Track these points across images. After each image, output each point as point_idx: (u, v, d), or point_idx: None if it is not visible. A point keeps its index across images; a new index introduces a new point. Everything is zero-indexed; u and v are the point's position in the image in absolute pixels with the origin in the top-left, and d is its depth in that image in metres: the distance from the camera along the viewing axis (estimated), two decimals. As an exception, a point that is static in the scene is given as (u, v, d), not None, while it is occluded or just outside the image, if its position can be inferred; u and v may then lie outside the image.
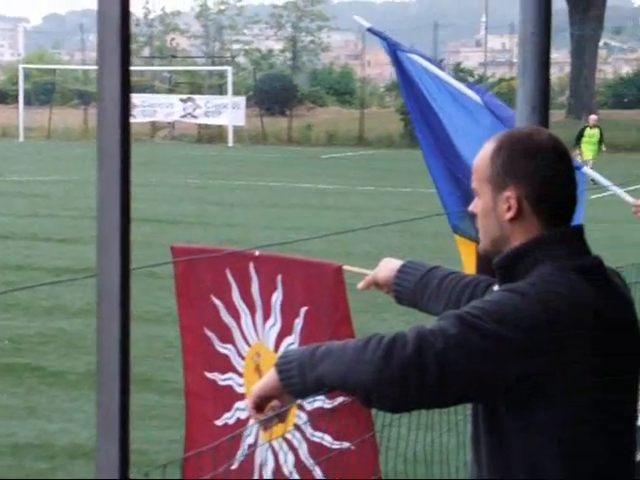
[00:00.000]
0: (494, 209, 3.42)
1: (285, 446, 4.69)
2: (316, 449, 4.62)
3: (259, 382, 3.54)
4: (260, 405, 3.43)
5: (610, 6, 48.52)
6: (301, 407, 4.48)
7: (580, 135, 35.13)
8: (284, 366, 3.35)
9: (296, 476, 4.65)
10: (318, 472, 4.62)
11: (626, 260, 6.76)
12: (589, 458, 3.44)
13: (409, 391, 3.22)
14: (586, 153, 33.76)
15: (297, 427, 4.68)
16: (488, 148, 3.52)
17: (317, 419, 4.58)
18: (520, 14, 3.60)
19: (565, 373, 3.33)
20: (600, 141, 35.42)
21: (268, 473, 4.72)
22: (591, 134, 35.11)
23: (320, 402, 4.30)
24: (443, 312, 3.54)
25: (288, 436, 4.66)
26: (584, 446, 3.42)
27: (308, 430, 4.65)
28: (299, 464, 4.66)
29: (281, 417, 3.52)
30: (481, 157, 3.53)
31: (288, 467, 4.69)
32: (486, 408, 3.44)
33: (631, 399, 3.63)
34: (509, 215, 3.40)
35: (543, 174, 3.40)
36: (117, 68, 1.87)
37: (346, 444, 4.53)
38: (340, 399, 4.35)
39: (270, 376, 3.41)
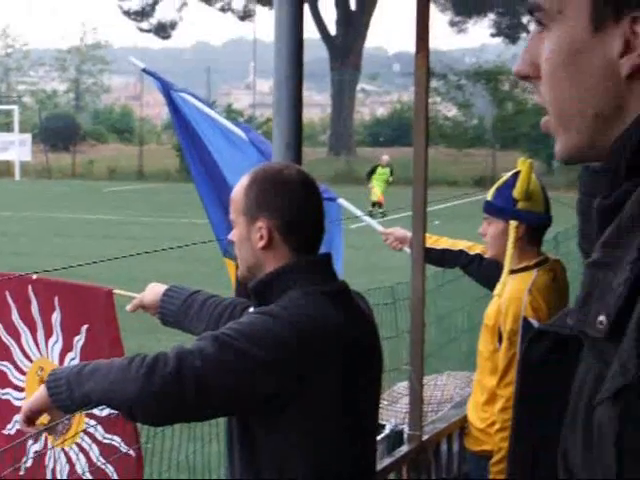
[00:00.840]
0: (248, 238, 3.47)
1: (76, 448, 4.79)
2: (108, 450, 4.71)
3: (31, 397, 3.56)
4: (31, 418, 3.46)
5: (367, 54, 50.20)
6: (91, 415, 4.59)
7: (372, 172, 36.17)
8: (53, 383, 3.38)
9: (89, 476, 4.76)
10: (110, 469, 4.72)
11: (379, 283, 7.00)
12: (334, 468, 3.50)
13: (169, 406, 3.28)
14: (376, 188, 34.68)
15: (86, 432, 4.78)
16: (244, 182, 3.58)
17: (107, 424, 4.66)
18: (275, 60, 3.66)
19: (313, 391, 3.36)
20: (388, 179, 36.35)
21: (63, 474, 4.85)
22: (382, 172, 36.33)
23: (108, 410, 4.39)
24: (204, 332, 3.59)
25: (78, 440, 4.76)
26: (329, 458, 3.46)
27: (99, 433, 4.75)
28: (92, 465, 4.75)
29: (50, 430, 3.67)
30: (237, 190, 3.60)
31: (81, 466, 4.79)
32: (239, 421, 3.48)
33: (373, 414, 3.74)
34: (261, 244, 3.45)
35: (291, 207, 3.45)
36: None
37: (125, 447, 4.67)
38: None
39: (40, 392, 3.43)
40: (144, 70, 6.74)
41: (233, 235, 3.58)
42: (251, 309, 3.57)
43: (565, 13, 1.52)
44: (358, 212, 7.19)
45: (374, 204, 32.86)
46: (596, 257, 1.49)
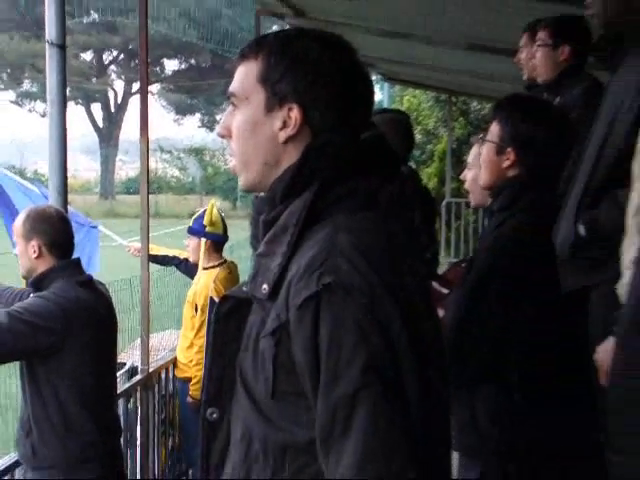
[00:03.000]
0: (26, 252, 3.50)
1: None
2: None
3: None
4: None
5: (122, 137, 48.66)
6: None
7: None
8: None
9: None
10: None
11: (126, 276, 7.50)
12: (92, 395, 3.50)
13: None
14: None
15: None
16: (22, 215, 3.60)
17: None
18: (49, 145, 3.84)
19: (74, 344, 3.41)
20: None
21: None
22: None
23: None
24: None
25: None
26: (88, 388, 3.49)
27: None
28: None
29: None
30: (17, 220, 3.60)
31: None
32: (27, 366, 3.47)
33: (114, 358, 3.81)
34: (34, 255, 3.49)
35: (52, 230, 3.50)
36: None
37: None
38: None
39: None
40: None
41: (17, 250, 3.59)
42: (31, 295, 3.57)
43: (249, 99, 1.65)
44: (114, 235, 7.32)
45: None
46: (261, 251, 1.62)
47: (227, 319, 1.69)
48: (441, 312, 2.62)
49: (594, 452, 2.30)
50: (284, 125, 1.61)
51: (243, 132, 1.65)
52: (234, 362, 1.64)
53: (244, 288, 1.66)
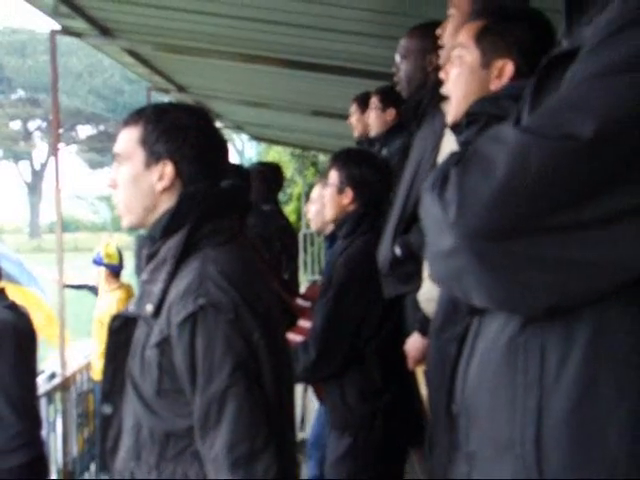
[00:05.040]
0: None
1: None
2: None
3: None
4: None
5: None
6: None
7: None
8: None
9: None
10: None
11: None
12: (15, 402, 3.32)
13: None
14: None
15: None
16: None
17: None
18: None
19: (0, 357, 3.26)
20: None
21: None
22: None
23: None
24: None
25: None
26: (10, 396, 3.30)
27: None
28: None
29: None
30: None
31: None
32: None
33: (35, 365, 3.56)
34: None
35: None
36: None
37: None
38: None
39: None
40: None
41: None
42: None
43: (132, 158, 1.63)
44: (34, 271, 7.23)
45: None
46: (145, 278, 1.61)
47: (118, 333, 1.68)
48: (305, 322, 2.72)
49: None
50: (160, 178, 1.62)
51: (127, 184, 1.64)
52: (124, 367, 1.64)
53: (131, 308, 1.66)
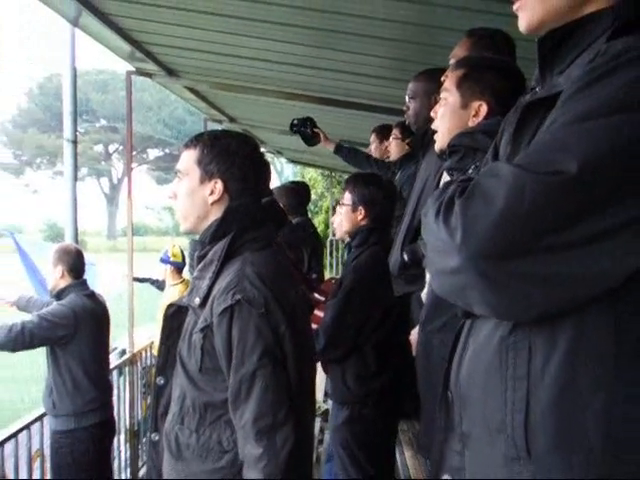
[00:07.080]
0: None
1: None
2: None
3: None
4: None
5: None
6: None
7: None
8: None
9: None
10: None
11: None
12: (91, 373, 3.35)
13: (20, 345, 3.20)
14: None
15: None
16: (52, 249, 3.39)
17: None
18: None
19: (80, 337, 3.30)
20: None
21: None
22: None
23: None
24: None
25: None
26: (87, 368, 3.34)
27: None
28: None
29: None
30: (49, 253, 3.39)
31: None
32: (51, 350, 3.31)
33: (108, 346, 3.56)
34: (59, 276, 3.35)
35: None
36: None
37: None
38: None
39: None
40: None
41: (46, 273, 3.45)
42: (54, 303, 3.43)
43: (189, 175, 1.61)
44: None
45: None
46: (196, 275, 1.58)
47: (172, 318, 1.67)
48: (319, 312, 2.66)
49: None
50: (211, 192, 1.60)
51: (184, 196, 1.63)
52: (175, 347, 1.64)
53: (184, 299, 1.63)
